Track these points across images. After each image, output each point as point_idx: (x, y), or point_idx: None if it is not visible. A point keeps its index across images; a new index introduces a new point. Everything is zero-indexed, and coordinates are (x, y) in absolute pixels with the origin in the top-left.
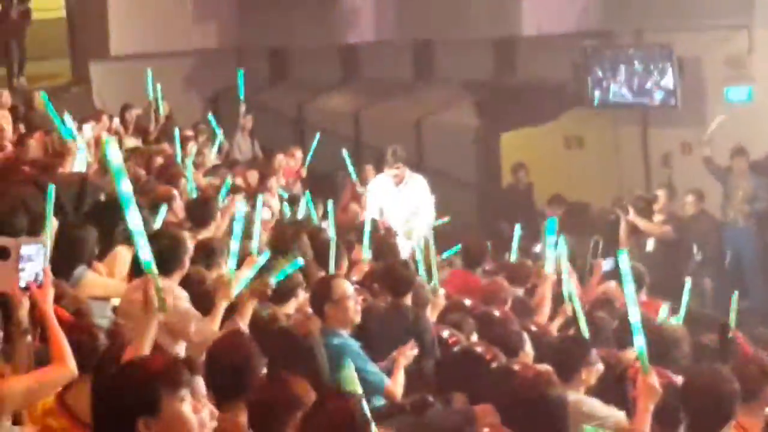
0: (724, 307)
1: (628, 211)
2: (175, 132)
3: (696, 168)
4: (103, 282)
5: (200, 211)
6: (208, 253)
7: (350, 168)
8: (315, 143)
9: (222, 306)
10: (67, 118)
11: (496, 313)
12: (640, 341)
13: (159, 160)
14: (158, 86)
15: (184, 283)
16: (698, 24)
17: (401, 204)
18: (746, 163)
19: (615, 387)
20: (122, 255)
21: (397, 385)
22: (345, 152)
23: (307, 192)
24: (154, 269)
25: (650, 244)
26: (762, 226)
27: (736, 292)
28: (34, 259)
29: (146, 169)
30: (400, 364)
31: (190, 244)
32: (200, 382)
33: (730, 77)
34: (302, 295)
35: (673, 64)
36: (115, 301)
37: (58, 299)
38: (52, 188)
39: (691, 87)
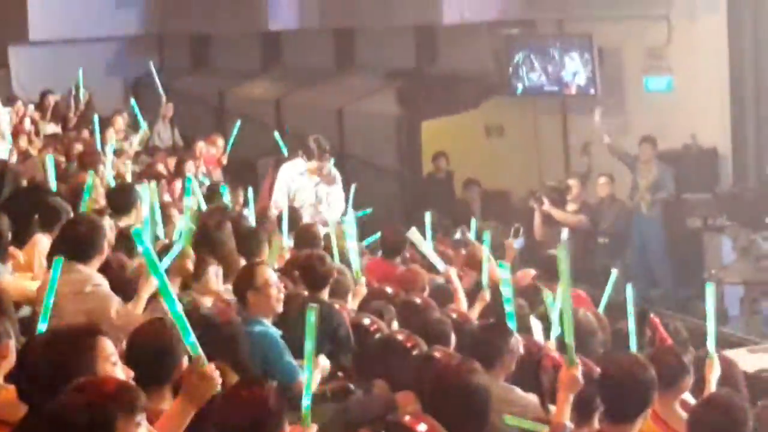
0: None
1: (543, 202)
2: (95, 119)
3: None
4: (19, 286)
5: (121, 198)
6: (129, 241)
7: (283, 150)
8: (236, 130)
9: (145, 293)
10: None
11: (417, 300)
12: (569, 335)
13: (78, 147)
14: (79, 72)
15: (104, 270)
16: (618, 14)
17: (311, 196)
18: (651, 151)
19: (532, 374)
20: (42, 243)
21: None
22: (276, 135)
23: (223, 185)
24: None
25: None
26: (666, 215)
27: (614, 272)
28: None
29: (66, 156)
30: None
31: (110, 231)
32: None
33: (649, 67)
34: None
35: (593, 53)
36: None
37: None
38: None
39: (610, 76)
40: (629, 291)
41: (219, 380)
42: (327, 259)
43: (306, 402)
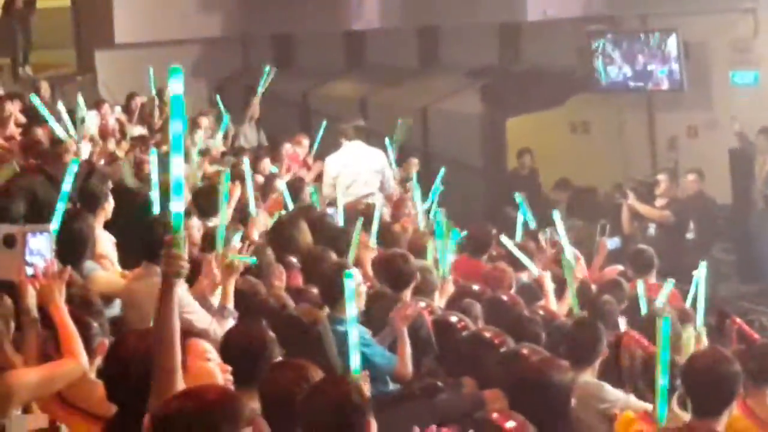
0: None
1: (628, 195)
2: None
3: (702, 151)
4: (109, 279)
5: (208, 199)
6: (215, 241)
7: (392, 162)
8: (321, 130)
9: (230, 289)
10: (80, 104)
11: (504, 298)
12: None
13: (164, 149)
14: (157, 75)
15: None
16: (704, 8)
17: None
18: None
19: (617, 368)
20: (102, 236)
21: (405, 364)
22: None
23: (314, 186)
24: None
25: (652, 228)
26: None
27: (702, 267)
28: (41, 247)
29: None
30: (403, 334)
31: (196, 231)
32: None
33: (736, 61)
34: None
35: (679, 48)
36: None
37: (67, 287)
38: (71, 174)
39: (696, 71)
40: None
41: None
42: (410, 259)
43: None
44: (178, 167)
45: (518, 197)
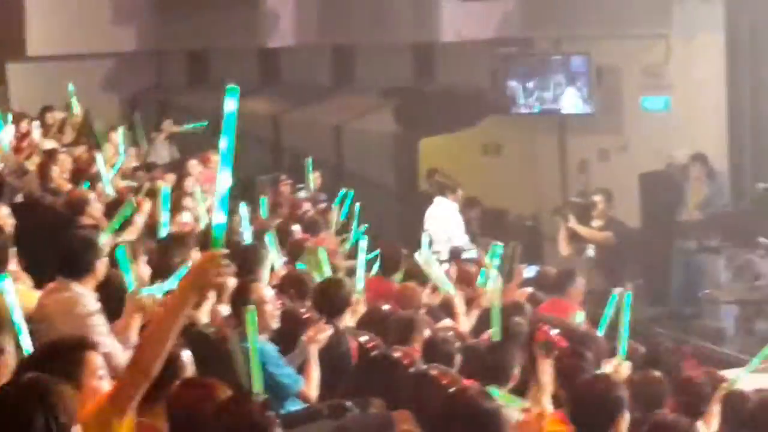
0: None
1: (569, 219)
2: (93, 133)
3: (612, 174)
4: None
5: (116, 210)
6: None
7: (310, 176)
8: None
9: (136, 320)
10: None
11: (414, 318)
12: None
13: (74, 162)
14: (70, 86)
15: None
16: (617, 33)
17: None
18: (705, 169)
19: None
20: None
21: (311, 387)
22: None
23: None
24: None
25: (591, 250)
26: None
27: (618, 293)
28: None
29: (61, 170)
30: (312, 357)
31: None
32: None
33: (647, 86)
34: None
35: (591, 72)
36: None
37: None
38: None
39: (608, 95)
40: (619, 299)
41: (225, 270)
42: (344, 283)
43: None
44: (225, 182)
45: (425, 236)
